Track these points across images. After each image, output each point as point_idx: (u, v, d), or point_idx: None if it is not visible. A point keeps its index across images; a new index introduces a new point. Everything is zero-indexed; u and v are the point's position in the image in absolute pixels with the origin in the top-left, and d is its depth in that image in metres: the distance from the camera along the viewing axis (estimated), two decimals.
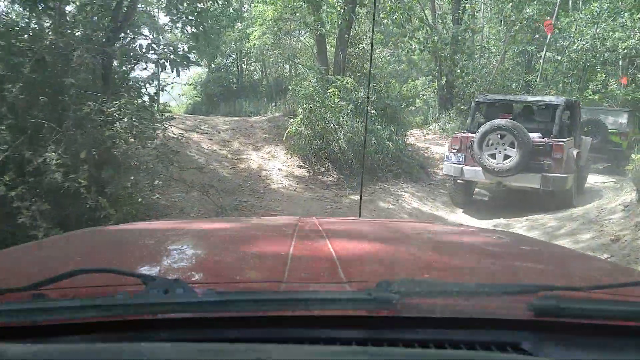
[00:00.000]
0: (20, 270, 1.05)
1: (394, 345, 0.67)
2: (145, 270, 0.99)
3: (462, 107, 15.96)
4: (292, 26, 10.53)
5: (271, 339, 0.67)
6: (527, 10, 12.88)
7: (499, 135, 6.89)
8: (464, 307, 0.75)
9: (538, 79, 18.13)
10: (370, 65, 5.37)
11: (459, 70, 14.37)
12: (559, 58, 19.04)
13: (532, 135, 6.91)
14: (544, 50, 19.16)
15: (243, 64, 22.68)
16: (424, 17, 11.66)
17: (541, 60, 20.18)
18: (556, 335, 0.71)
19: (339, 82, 8.40)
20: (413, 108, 21.01)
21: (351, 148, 9.16)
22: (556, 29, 18.57)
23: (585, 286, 0.83)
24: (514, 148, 6.75)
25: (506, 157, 6.85)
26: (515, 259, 1.29)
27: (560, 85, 19.76)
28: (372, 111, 9.76)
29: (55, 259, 1.16)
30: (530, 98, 8.32)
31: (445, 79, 15.47)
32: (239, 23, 17.50)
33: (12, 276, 0.99)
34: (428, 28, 11.49)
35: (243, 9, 20.42)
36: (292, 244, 1.22)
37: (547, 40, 19.16)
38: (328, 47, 11.19)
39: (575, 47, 18.60)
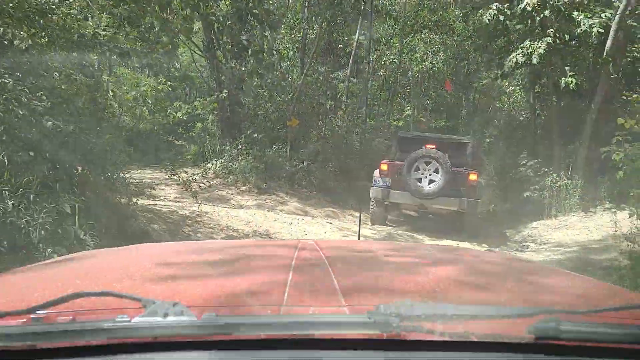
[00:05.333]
0: (20, 294, 1.03)
1: None
2: (144, 293, 0.90)
3: (255, 135, 10.60)
4: None
5: None
6: None
7: (425, 162, 7.87)
8: (464, 329, 0.72)
9: (346, 100, 14.18)
10: None
11: (247, 75, 9.02)
12: (366, 76, 15.96)
13: None
14: (348, 67, 15.52)
15: None
16: None
17: (335, 82, 16.96)
18: (556, 357, 0.72)
19: None
20: (193, 134, 14.83)
21: None
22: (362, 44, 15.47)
23: (585, 309, 0.87)
24: (438, 174, 7.77)
25: (431, 181, 7.81)
26: (516, 282, 1.28)
27: (364, 108, 16.46)
28: None
29: (54, 282, 1.12)
30: (445, 136, 9.31)
31: (226, 93, 9.90)
32: None
33: (12, 299, 0.97)
34: None
35: None
36: (291, 267, 1.20)
37: (351, 56, 15.67)
38: None
39: (383, 62, 15.59)
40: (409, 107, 20.85)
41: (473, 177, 7.79)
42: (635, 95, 10.28)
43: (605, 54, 9.20)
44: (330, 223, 7.40)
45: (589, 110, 9.92)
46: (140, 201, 5.85)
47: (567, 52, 9.71)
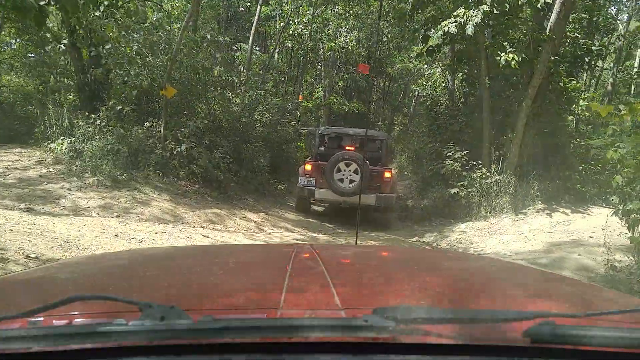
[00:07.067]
0: (16, 298, 1.02)
1: None
2: (141, 296, 0.91)
3: (119, 108, 7.94)
4: None
5: None
6: None
7: (345, 164, 8.51)
8: (460, 333, 0.72)
9: (246, 72, 11.82)
10: None
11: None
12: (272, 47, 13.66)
13: None
14: (251, 35, 13.11)
15: None
16: None
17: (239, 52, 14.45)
18: None
19: None
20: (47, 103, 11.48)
21: None
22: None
23: (582, 313, 0.85)
24: (357, 174, 8.43)
25: (351, 181, 8.50)
26: (512, 286, 1.27)
27: (270, 83, 14.19)
28: None
29: (51, 286, 1.12)
30: (362, 132, 9.16)
31: (72, 38, 7.13)
32: None
33: (9, 303, 0.97)
34: None
35: None
36: (288, 270, 1.20)
37: (254, 23, 13.29)
38: None
39: (290, 32, 13.39)
40: (320, 88, 19.10)
41: (387, 174, 8.70)
42: (574, 82, 9.28)
43: (549, 30, 7.88)
44: (207, 236, 5.14)
45: (523, 96, 8.62)
46: None
47: (505, 24, 8.27)
